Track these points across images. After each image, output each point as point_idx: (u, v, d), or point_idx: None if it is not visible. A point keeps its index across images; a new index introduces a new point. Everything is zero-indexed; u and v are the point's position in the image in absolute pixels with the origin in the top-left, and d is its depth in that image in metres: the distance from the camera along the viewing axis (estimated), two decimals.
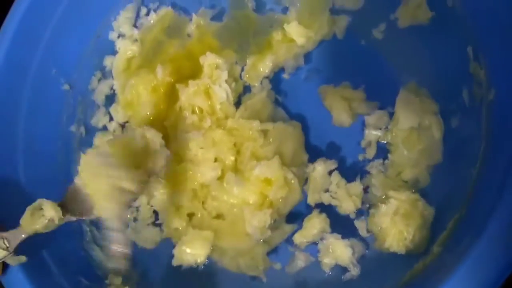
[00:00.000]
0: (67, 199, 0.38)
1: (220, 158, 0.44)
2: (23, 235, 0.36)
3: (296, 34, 0.47)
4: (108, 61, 0.51)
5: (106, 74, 0.51)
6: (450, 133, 0.41)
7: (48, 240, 0.40)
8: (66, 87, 0.49)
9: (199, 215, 0.44)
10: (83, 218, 0.39)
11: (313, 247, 0.42)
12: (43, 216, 0.37)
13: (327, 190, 0.43)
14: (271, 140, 0.44)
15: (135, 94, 0.48)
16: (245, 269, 0.42)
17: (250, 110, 0.46)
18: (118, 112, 0.50)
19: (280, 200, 0.42)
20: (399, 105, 0.42)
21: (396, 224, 0.39)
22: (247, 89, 0.49)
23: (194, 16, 0.50)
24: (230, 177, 0.42)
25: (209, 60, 0.46)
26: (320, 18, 0.47)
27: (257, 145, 0.44)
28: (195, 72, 0.48)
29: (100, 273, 0.43)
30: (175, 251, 0.42)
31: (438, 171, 0.41)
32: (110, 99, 0.51)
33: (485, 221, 0.31)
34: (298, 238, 0.42)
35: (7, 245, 0.36)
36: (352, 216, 0.42)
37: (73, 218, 0.38)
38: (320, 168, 0.43)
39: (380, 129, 0.44)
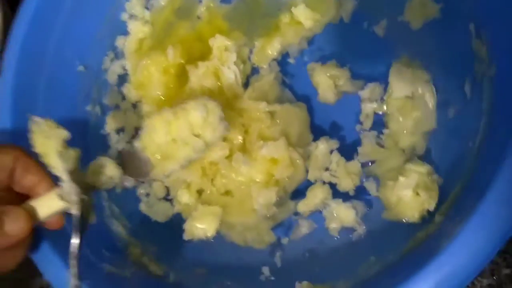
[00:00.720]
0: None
1: (229, 138, 0.45)
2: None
3: (304, 17, 0.48)
4: (120, 41, 0.53)
5: (118, 55, 0.53)
6: (451, 108, 0.43)
7: (70, 214, 0.43)
8: (81, 68, 0.50)
9: (208, 192, 0.46)
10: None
11: (319, 217, 0.45)
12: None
13: (327, 169, 0.45)
14: (278, 121, 0.46)
15: (147, 75, 0.50)
16: (251, 243, 0.45)
17: (258, 91, 0.48)
18: (130, 92, 0.51)
19: (286, 179, 0.44)
20: (392, 76, 0.45)
21: (417, 196, 0.41)
22: (255, 70, 0.50)
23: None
24: (238, 156, 0.45)
25: (218, 42, 0.48)
26: (327, 1, 0.48)
27: (264, 126, 0.46)
28: (204, 54, 0.49)
29: (120, 245, 0.46)
30: (186, 226, 0.45)
31: (438, 142, 0.43)
32: (122, 78, 0.52)
33: (484, 191, 0.33)
34: (302, 207, 0.45)
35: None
36: (351, 193, 0.44)
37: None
38: (322, 147, 0.45)
39: (376, 101, 0.46)
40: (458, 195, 0.38)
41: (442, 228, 0.37)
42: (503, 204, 0.32)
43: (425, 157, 0.44)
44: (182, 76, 0.49)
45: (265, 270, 0.45)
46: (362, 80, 0.47)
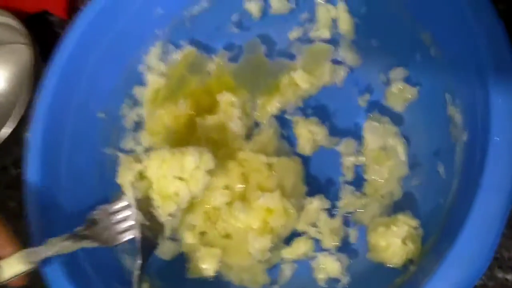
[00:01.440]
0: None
1: (230, 186, 0.50)
2: (49, 253, 0.43)
3: (301, 80, 0.54)
4: (136, 90, 0.59)
5: (135, 102, 0.58)
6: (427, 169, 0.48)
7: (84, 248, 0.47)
8: (101, 115, 0.56)
9: (210, 234, 0.51)
10: None
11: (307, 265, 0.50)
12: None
13: (314, 225, 0.50)
14: (274, 172, 0.51)
15: (161, 124, 0.55)
16: (247, 283, 0.50)
17: (258, 144, 0.53)
18: (145, 138, 0.57)
19: (280, 226, 0.49)
20: (366, 131, 0.51)
21: (404, 246, 0.45)
22: (256, 124, 0.55)
23: (214, 57, 0.57)
24: (238, 205, 0.49)
25: (225, 98, 0.53)
26: (322, 67, 0.54)
27: (262, 177, 0.50)
28: (212, 107, 0.55)
29: (130, 278, 0.49)
30: (190, 266, 0.50)
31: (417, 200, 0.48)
32: (137, 124, 0.58)
33: (451, 244, 0.37)
34: (286, 254, 0.50)
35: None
36: (332, 251, 0.49)
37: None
38: (316, 203, 0.50)
39: (353, 154, 0.52)
40: (430, 247, 0.43)
41: (415, 276, 0.42)
42: (467, 259, 0.37)
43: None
44: (191, 126, 0.55)
45: None
46: (337, 137, 0.53)
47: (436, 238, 0.43)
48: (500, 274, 0.48)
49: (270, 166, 0.51)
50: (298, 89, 0.55)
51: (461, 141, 0.44)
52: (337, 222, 0.50)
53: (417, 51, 0.50)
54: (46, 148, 0.51)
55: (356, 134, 0.52)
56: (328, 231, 0.49)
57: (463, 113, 0.44)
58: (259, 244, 0.48)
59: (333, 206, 0.51)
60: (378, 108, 0.53)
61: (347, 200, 0.51)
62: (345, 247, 0.49)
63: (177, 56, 0.59)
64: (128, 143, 0.58)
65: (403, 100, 0.51)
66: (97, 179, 0.54)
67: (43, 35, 0.67)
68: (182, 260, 0.51)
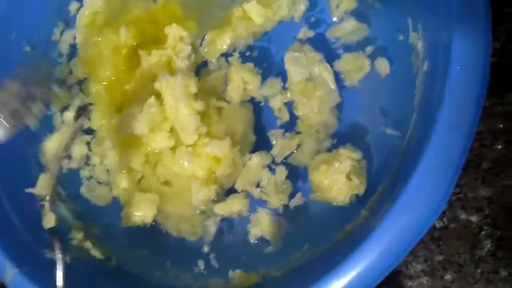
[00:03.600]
0: None
1: (175, 130, 0.46)
2: None
3: (255, 14, 0.48)
4: (72, 7, 0.52)
5: (69, 23, 0.52)
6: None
7: (13, 198, 0.44)
8: (27, 48, 0.50)
9: (148, 179, 0.47)
10: None
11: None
12: None
13: (258, 185, 0.47)
14: (224, 118, 0.47)
15: (97, 53, 0.49)
16: (185, 234, 0.47)
17: (207, 86, 0.48)
18: (78, 68, 0.51)
19: (226, 177, 0.46)
20: (288, 64, 0.47)
21: (349, 182, 0.43)
22: (203, 63, 0.50)
23: None
24: (182, 151, 0.46)
25: (174, 32, 0.48)
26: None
27: (211, 122, 0.47)
28: (157, 38, 0.49)
29: (64, 229, 0.47)
30: (123, 213, 0.46)
31: (373, 139, 0.45)
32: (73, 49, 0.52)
33: (405, 185, 0.35)
34: (217, 209, 0.46)
35: None
36: (280, 210, 0.46)
37: None
38: (256, 160, 0.46)
39: (280, 93, 0.48)
40: (383, 191, 0.41)
41: (367, 221, 0.40)
42: (421, 200, 0.35)
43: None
44: (133, 58, 0.49)
45: (200, 264, 0.46)
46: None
47: (391, 180, 0.41)
48: (463, 216, 0.47)
49: (219, 110, 0.48)
50: (251, 24, 0.49)
51: (421, 72, 0.41)
52: (281, 176, 0.46)
53: None
54: None
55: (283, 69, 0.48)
56: (273, 189, 0.46)
57: (425, 40, 0.41)
58: (202, 194, 0.45)
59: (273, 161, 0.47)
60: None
61: (279, 145, 0.47)
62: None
63: None
64: (61, 73, 0.52)
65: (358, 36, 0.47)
66: None
67: None
68: (117, 205, 0.48)
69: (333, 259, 0.38)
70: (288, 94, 0.47)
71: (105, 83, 0.49)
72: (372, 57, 0.45)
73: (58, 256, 0.37)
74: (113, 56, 0.49)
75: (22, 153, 0.49)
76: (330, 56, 0.47)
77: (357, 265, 0.36)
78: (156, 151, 0.47)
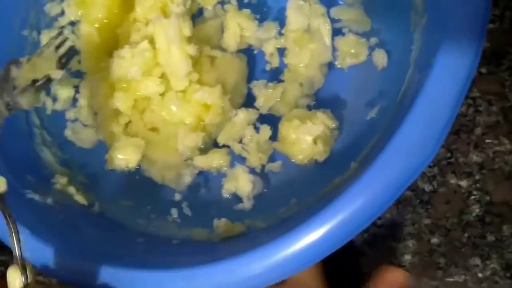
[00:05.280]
0: None
1: (165, 75, 0.45)
2: None
3: None
4: None
5: None
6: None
7: None
8: None
9: (135, 125, 0.46)
10: None
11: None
12: None
13: (240, 141, 0.46)
14: (216, 67, 0.46)
15: None
16: (169, 182, 0.46)
17: (202, 33, 0.47)
18: (70, 8, 0.50)
19: (214, 125, 0.45)
20: (289, 10, 0.46)
21: (314, 145, 0.43)
22: (199, 11, 0.49)
23: None
24: (172, 96, 0.45)
25: None
26: None
27: (202, 70, 0.46)
28: None
29: (47, 172, 0.47)
30: (107, 156, 0.45)
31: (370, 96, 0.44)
32: None
33: (390, 138, 0.35)
34: (197, 161, 0.45)
35: None
36: (258, 170, 0.45)
37: None
38: (242, 116, 0.45)
39: (275, 37, 0.47)
40: (374, 145, 0.40)
41: (356, 172, 0.38)
42: (410, 149, 0.34)
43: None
44: (126, 1, 0.48)
45: (173, 212, 0.46)
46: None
47: (382, 134, 0.40)
48: (453, 180, 0.46)
49: (212, 59, 0.47)
50: None
51: (419, 27, 0.40)
52: (264, 136, 0.45)
53: None
54: None
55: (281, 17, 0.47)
56: (255, 148, 0.45)
57: None
58: (189, 141, 0.45)
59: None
60: None
61: (263, 95, 0.46)
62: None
63: None
64: (53, 10, 0.51)
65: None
66: None
67: None
68: (101, 150, 0.47)
69: (318, 208, 0.37)
70: (282, 40, 0.46)
71: (97, 25, 0.48)
72: (372, 48, 0.45)
73: (10, 226, 0.35)
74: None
75: None
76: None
77: (341, 211, 0.35)
78: (145, 96, 0.46)
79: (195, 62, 0.45)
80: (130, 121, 0.47)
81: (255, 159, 0.45)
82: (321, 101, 0.46)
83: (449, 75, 0.35)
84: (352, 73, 0.45)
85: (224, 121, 0.45)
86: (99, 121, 0.47)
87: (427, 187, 0.47)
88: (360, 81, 0.45)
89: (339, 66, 0.46)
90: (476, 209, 0.46)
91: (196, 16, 0.49)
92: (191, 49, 0.44)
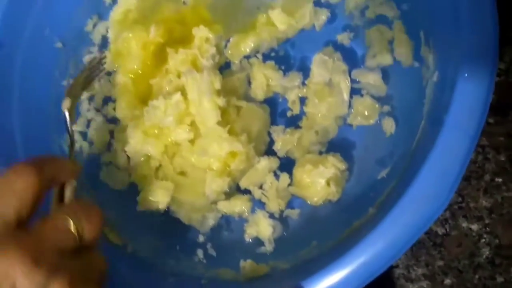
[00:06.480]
0: None
1: (195, 123, 0.49)
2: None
3: (279, 21, 0.51)
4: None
5: (103, 15, 0.55)
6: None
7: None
8: (59, 45, 0.53)
9: (165, 168, 0.49)
10: None
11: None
12: None
13: (261, 187, 0.49)
14: (242, 117, 0.50)
15: (126, 47, 0.52)
16: (195, 223, 0.49)
17: (229, 85, 0.51)
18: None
19: (239, 171, 0.48)
20: (314, 64, 0.50)
21: (327, 187, 0.46)
22: (226, 64, 0.53)
23: None
24: (201, 144, 0.48)
25: (201, 33, 0.50)
26: (303, 8, 0.51)
27: (230, 119, 0.49)
28: (184, 38, 0.52)
29: None
30: (139, 198, 0.48)
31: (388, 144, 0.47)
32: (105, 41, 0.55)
33: (407, 186, 0.38)
34: (221, 206, 0.48)
35: None
36: (276, 215, 0.48)
37: None
38: (264, 163, 0.48)
39: (298, 87, 0.50)
40: (391, 192, 0.43)
41: (375, 217, 0.42)
42: (424, 199, 0.38)
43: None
44: (160, 54, 0.52)
45: (199, 253, 0.48)
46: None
47: (398, 181, 0.43)
48: (464, 224, 0.49)
49: (238, 109, 0.50)
50: (275, 30, 0.52)
51: (431, 82, 0.44)
52: (283, 183, 0.48)
53: None
54: None
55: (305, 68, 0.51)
56: (274, 194, 0.48)
57: (435, 53, 0.44)
58: (216, 186, 0.47)
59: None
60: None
61: (281, 140, 0.49)
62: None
63: None
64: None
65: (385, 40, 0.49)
66: (56, 111, 0.50)
67: None
68: (133, 192, 0.50)
69: (340, 251, 0.40)
70: (304, 90, 0.50)
71: (132, 76, 0.51)
72: (383, 114, 0.48)
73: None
74: (141, 52, 0.51)
75: None
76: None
77: (362, 255, 0.38)
78: (175, 142, 0.49)
79: (223, 112, 0.48)
80: (160, 165, 0.50)
81: (274, 205, 0.48)
82: (332, 147, 0.49)
83: (460, 130, 0.38)
84: (359, 131, 0.49)
85: (248, 167, 0.49)
86: (132, 165, 0.50)
87: (440, 230, 0.49)
88: (368, 140, 0.48)
89: (348, 122, 0.49)
90: (486, 252, 0.48)
91: (223, 67, 0.53)
92: (221, 101, 0.47)
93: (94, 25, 0.55)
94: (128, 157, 0.51)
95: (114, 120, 0.53)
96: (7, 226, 0.32)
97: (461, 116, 0.38)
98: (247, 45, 0.52)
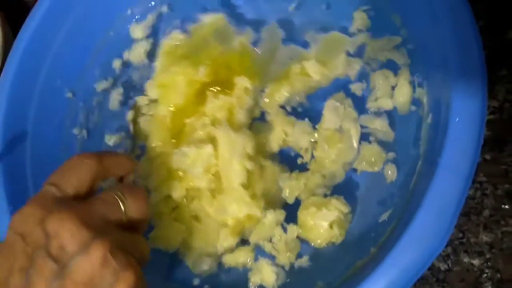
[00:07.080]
0: None
1: (219, 173, 0.49)
2: None
3: (313, 71, 0.51)
4: (116, 64, 0.57)
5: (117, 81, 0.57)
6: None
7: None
8: (69, 95, 0.54)
9: (181, 210, 0.50)
10: None
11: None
12: None
13: (270, 240, 0.50)
14: (264, 178, 0.50)
15: (172, 80, 0.52)
16: (202, 271, 0.50)
17: (258, 141, 0.51)
18: (152, 88, 0.54)
19: (250, 230, 0.50)
20: (326, 109, 0.51)
21: (330, 230, 0.47)
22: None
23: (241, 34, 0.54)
24: (223, 199, 0.49)
25: (242, 83, 0.51)
26: (337, 58, 0.51)
27: (253, 180, 0.49)
28: (227, 82, 0.52)
29: None
30: (151, 235, 0.49)
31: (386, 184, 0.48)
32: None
33: (407, 225, 0.39)
34: (225, 259, 0.50)
35: None
36: (286, 267, 0.49)
37: None
38: (270, 217, 0.49)
39: (307, 132, 0.51)
40: (391, 231, 0.44)
41: (376, 256, 0.43)
42: (421, 240, 0.39)
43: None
44: (201, 94, 0.52)
45: None
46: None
47: (398, 222, 0.44)
48: (465, 259, 0.50)
49: (262, 169, 0.50)
50: (309, 80, 0.52)
51: (426, 124, 0.45)
52: (291, 235, 0.49)
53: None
54: (8, 128, 0.50)
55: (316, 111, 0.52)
56: (283, 247, 0.49)
57: (429, 95, 0.46)
58: (227, 243, 0.49)
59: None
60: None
61: (288, 187, 0.50)
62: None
63: (204, 18, 0.55)
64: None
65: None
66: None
67: (18, 16, 0.66)
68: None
69: None
70: (316, 134, 0.51)
71: (173, 108, 0.52)
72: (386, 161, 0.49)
73: None
74: (186, 87, 0.52)
75: None
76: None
77: None
78: (198, 188, 0.50)
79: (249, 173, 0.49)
80: (177, 206, 0.51)
81: (284, 258, 0.49)
82: (336, 188, 0.50)
83: (454, 171, 0.39)
84: (363, 174, 0.50)
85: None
86: (151, 199, 0.51)
87: (443, 266, 0.50)
88: (371, 182, 0.49)
89: (354, 166, 0.50)
90: (488, 286, 0.49)
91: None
92: (250, 165, 0.48)
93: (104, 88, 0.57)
94: (149, 191, 0.51)
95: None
96: (65, 196, 0.38)
97: (454, 158, 0.39)
98: (281, 95, 0.52)
